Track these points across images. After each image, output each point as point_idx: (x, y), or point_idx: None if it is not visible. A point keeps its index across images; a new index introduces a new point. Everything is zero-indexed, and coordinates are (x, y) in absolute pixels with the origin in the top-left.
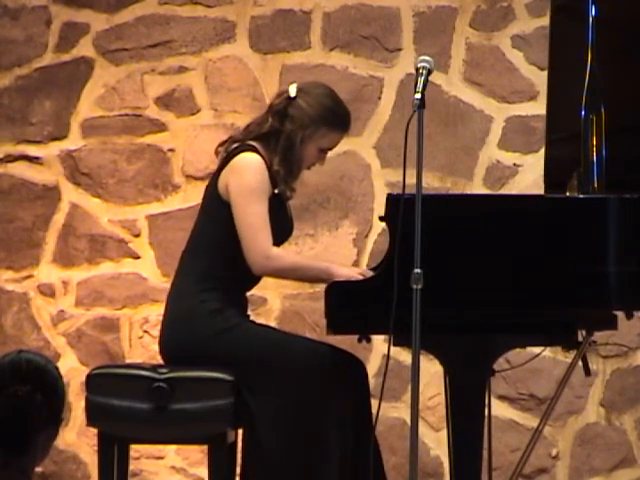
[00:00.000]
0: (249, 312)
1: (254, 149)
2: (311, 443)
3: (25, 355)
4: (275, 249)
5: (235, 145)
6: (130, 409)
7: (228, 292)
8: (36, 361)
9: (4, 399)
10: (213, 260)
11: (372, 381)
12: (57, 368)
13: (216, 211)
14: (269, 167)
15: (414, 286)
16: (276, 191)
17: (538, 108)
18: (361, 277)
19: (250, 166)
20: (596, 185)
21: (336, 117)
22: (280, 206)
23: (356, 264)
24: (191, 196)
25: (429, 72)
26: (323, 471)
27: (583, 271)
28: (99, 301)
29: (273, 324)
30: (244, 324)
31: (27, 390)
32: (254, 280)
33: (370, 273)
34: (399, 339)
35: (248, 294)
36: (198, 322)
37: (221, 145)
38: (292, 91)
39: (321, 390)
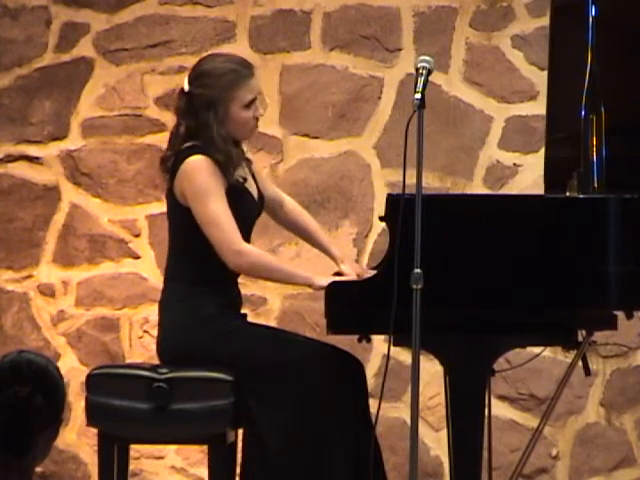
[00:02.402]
0: (248, 312)
1: (194, 149)
2: (311, 443)
3: (26, 356)
4: (247, 245)
5: (175, 155)
6: (130, 409)
7: (220, 291)
8: (37, 362)
9: (4, 399)
10: (196, 262)
11: (372, 381)
12: (58, 369)
13: (181, 217)
14: (214, 159)
15: (414, 286)
16: (229, 183)
17: (538, 108)
18: (357, 278)
19: (197, 168)
20: (596, 185)
21: (232, 75)
22: (240, 194)
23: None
24: None
25: (429, 72)
26: (324, 471)
27: (583, 271)
28: (99, 301)
29: (273, 324)
30: (241, 327)
31: (28, 391)
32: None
33: (369, 272)
34: (399, 339)
35: (248, 294)
36: (195, 331)
37: (161, 166)
38: (185, 85)
39: (321, 390)
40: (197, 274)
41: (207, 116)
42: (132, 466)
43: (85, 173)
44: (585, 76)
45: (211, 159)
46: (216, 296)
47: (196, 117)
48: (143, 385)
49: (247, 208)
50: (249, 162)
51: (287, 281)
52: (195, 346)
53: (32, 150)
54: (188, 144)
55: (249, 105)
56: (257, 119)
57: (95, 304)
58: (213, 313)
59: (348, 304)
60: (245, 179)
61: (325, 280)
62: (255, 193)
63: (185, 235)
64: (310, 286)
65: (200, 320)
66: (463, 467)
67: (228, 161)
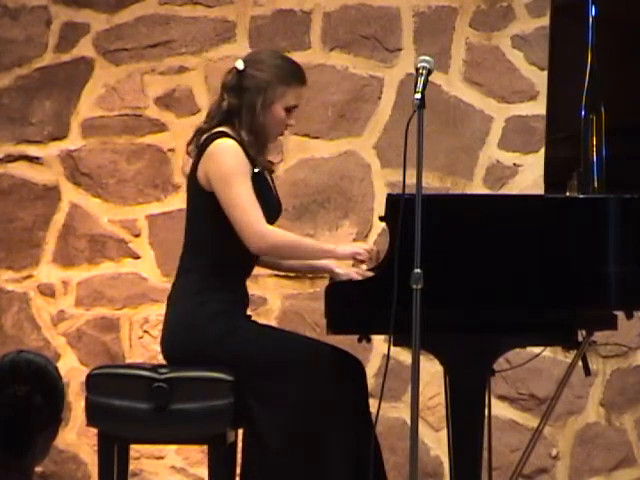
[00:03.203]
0: (250, 312)
1: (224, 134)
2: (312, 443)
3: (25, 355)
4: (270, 227)
5: (204, 137)
6: (130, 409)
7: (228, 289)
8: (36, 361)
9: (4, 399)
10: (209, 258)
11: (372, 381)
12: (57, 368)
13: (202, 204)
14: (243, 147)
15: (414, 286)
16: (256, 170)
17: (538, 108)
18: (360, 277)
19: (225, 150)
20: (596, 185)
21: (290, 73)
22: (264, 183)
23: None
24: None
25: (429, 72)
26: (323, 471)
27: (583, 271)
28: (99, 301)
29: (273, 324)
30: (245, 326)
31: (27, 390)
32: (251, 264)
33: (374, 248)
34: (399, 339)
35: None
36: (199, 326)
37: (190, 143)
38: (239, 65)
39: (321, 390)
40: (209, 269)
41: (254, 99)
42: (132, 466)
43: (85, 173)
44: (585, 76)
45: (240, 145)
46: (225, 293)
47: (241, 97)
48: (143, 385)
49: (269, 198)
50: (272, 164)
51: (310, 257)
52: (198, 345)
53: (32, 150)
54: (219, 129)
55: (289, 110)
56: (286, 127)
57: (95, 304)
58: (219, 310)
59: (348, 304)
60: (271, 170)
61: (350, 248)
62: (275, 193)
63: (203, 225)
64: (335, 257)
65: (205, 316)
66: (463, 467)
67: (258, 146)
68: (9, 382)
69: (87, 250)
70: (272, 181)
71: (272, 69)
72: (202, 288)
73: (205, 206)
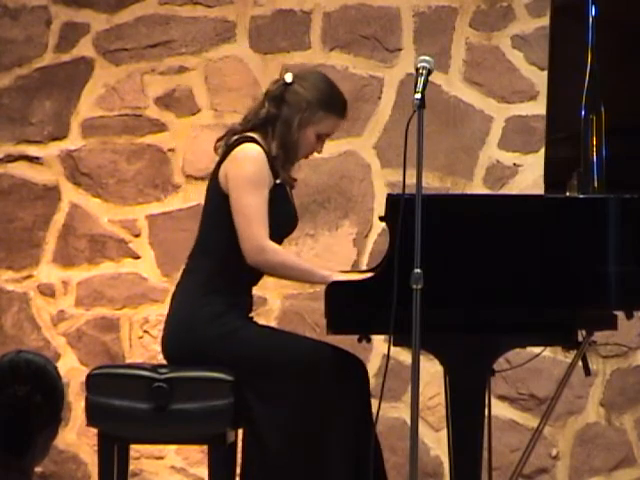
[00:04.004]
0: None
1: (253, 140)
2: (313, 443)
3: (24, 355)
4: (271, 243)
5: (235, 137)
6: (130, 409)
7: (232, 293)
8: (35, 361)
9: (4, 399)
10: (217, 260)
11: (372, 381)
12: (56, 368)
13: (218, 206)
14: (269, 157)
15: (414, 286)
16: (278, 181)
17: (538, 108)
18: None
19: (249, 156)
20: (596, 185)
21: (332, 101)
22: (284, 196)
23: (356, 264)
24: (191, 196)
25: (429, 72)
26: (323, 471)
27: (583, 271)
28: (99, 301)
29: (273, 324)
30: (245, 327)
31: (27, 390)
32: (258, 273)
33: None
34: (399, 339)
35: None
36: (199, 327)
37: (220, 140)
38: (288, 77)
39: (323, 390)
40: (215, 272)
41: (292, 115)
42: (132, 466)
43: (85, 173)
44: (585, 76)
45: (266, 155)
46: (228, 298)
47: (281, 109)
48: (143, 385)
49: (287, 211)
50: (293, 181)
51: (305, 281)
52: (198, 344)
53: (32, 150)
54: (251, 134)
55: (320, 137)
56: (311, 154)
57: (95, 304)
58: (220, 312)
59: (348, 304)
60: (292, 186)
61: (346, 278)
62: (292, 208)
63: (215, 227)
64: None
65: (207, 317)
66: (463, 467)
67: (284, 161)
68: (9, 382)
69: (87, 250)
70: (291, 196)
71: (317, 92)
72: (206, 291)
73: (220, 208)
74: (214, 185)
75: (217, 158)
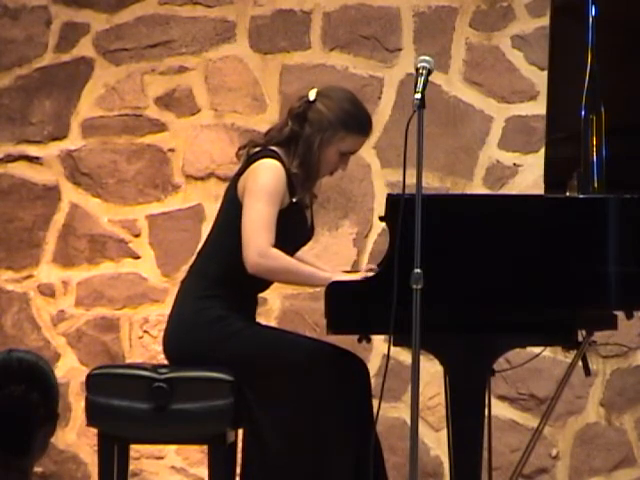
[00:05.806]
0: None
1: (275, 155)
2: (313, 443)
3: (15, 354)
4: (273, 249)
5: (256, 150)
6: (130, 409)
7: (236, 298)
8: (27, 359)
9: (1, 400)
10: (225, 264)
11: (372, 381)
12: (48, 363)
13: (233, 214)
14: (288, 174)
15: (414, 286)
16: (294, 200)
17: (538, 108)
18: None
19: (268, 169)
20: (596, 185)
21: (355, 121)
22: (298, 214)
23: (356, 264)
24: (191, 196)
25: (429, 72)
26: (324, 471)
27: (583, 271)
28: (99, 301)
29: (273, 324)
30: (245, 328)
31: (22, 389)
32: (263, 282)
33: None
34: (399, 339)
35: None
36: (200, 326)
37: (242, 148)
38: (312, 95)
39: (323, 390)
40: (220, 277)
41: (314, 135)
42: (132, 466)
43: (85, 173)
44: (585, 76)
45: (286, 172)
46: (231, 303)
47: (303, 127)
48: (143, 385)
49: (301, 230)
50: (314, 196)
51: (306, 284)
52: (199, 344)
53: (32, 150)
54: (274, 148)
55: (343, 155)
56: (335, 172)
57: (95, 304)
58: (220, 315)
59: (348, 304)
60: (307, 206)
61: (348, 278)
62: (309, 221)
63: (229, 233)
64: None
65: (208, 318)
66: (463, 467)
67: (303, 180)
68: (4, 382)
69: (87, 250)
70: (309, 216)
71: (339, 112)
72: (209, 294)
73: (234, 217)
74: (231, 195)
75: (238, 164)
